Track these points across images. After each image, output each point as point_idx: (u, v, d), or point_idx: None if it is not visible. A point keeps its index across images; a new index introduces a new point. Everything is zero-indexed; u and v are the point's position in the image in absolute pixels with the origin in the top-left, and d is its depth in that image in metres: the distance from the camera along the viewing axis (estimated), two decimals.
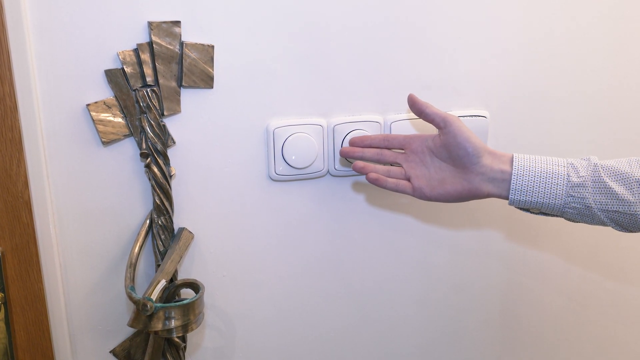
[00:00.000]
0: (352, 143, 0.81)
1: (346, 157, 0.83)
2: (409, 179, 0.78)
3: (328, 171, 0.90)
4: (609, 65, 0.98)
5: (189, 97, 0.81)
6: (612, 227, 0.71)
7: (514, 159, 0.71)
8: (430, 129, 0.84)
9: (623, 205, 0.68)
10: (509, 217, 1.01)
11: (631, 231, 0.71)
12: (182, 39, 0.79)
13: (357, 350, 1.00)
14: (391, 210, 0.95)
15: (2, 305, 0.79)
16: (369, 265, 0.96)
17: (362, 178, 0.92)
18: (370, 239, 0.95)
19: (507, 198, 0.72)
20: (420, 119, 0.78)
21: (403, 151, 0.80)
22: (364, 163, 0.80)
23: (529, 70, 0.94)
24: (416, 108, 0.76)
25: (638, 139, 1.02)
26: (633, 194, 0.68)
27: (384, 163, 0.80)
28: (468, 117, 0.91)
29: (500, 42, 0.92)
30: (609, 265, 1.09)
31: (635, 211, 0.68)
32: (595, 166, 0.70)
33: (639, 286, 1.12)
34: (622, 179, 0.68)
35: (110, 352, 0.87)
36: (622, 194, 0.68)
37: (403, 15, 0.86)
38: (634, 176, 0.68)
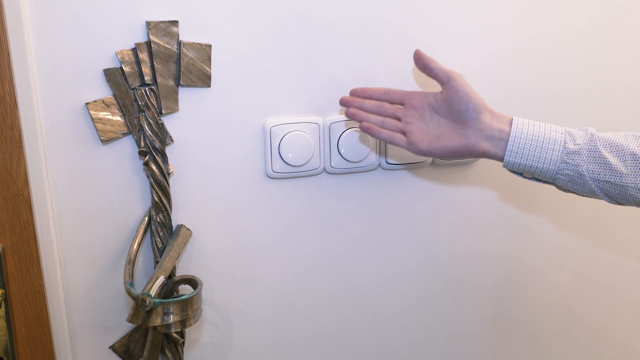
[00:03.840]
0: (353, 93, 0.81)
1: (345, 106, 0.81)
2: (404, 134, 0.77)
3: (324, 169, 0.91)
4: (600, 65, 0.99)
5: (187, 96, 0.82)
6: (602, 198, 0.72)
7: (514, 121, 0.72)
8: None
9: (615, 176, 0.69)
10: (504, 216, 1.02)
11: (620, 203, 0.72)
12: (180, 38, 0.79)
13: (353, 346, 1.01)
14: (387, 207, 0.96)
15: (2, 301, 0.79)
16: (365, 261, 0.97)
17: (358, 175, 0.93)
18: (367, 235, 0.96)
19: (502, 159, 0.72)
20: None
21: (403, 106, 0.79)
22: (356, 110, 0.79)
23: (521, 70, 0.95)
24: (421, 63, 0.77)
25: None
26: (626, 166, 0.69)
27: (383, 115, 0.80)
28: None
29: (493, 44, 0.93)
30: (602, 262, 1.10)
31: (626, 183, 0.69)
32: (592, 136, 0.71)
33: (632, 282, 1.13)
34: (617, 150, 0.69)
35: (109, 347, 0.87)
36: (615, 164, 0.69)
37: (398, 17, 0.87)
38: (628, 149, 0.69)
